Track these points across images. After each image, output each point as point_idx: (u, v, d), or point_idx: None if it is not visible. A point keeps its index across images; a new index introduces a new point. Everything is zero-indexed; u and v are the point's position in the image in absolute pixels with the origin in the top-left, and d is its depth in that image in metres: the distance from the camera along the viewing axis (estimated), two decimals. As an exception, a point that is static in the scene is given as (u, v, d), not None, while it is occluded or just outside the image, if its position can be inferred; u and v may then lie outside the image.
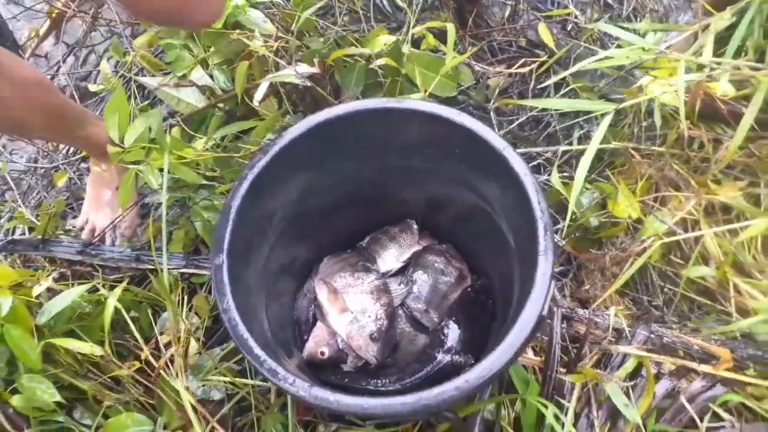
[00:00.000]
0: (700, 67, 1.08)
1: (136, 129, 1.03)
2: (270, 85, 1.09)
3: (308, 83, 1.03)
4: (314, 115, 0.85)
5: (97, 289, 1.03)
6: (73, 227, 1.28)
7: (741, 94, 1.08)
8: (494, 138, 0.80)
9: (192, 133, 1.19)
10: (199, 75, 1.17)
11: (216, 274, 0.73)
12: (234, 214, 0.78)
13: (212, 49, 1.16)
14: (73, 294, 0.95)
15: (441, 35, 1.23)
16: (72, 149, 1.46)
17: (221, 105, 1.18)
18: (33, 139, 1.46)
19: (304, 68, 1.03)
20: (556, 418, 0.88)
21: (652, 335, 1.01)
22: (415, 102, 0.85)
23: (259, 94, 1.03)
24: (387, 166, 0.96)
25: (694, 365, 0.95)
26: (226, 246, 0.75)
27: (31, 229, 1.28)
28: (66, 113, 1.13)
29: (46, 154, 1.47)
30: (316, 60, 1.06)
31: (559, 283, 1.16)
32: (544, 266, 0.73)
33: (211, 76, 1.18)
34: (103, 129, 1.19)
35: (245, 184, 0.80)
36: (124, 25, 1.52)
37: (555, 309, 1.03)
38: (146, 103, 1.41)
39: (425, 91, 1.10)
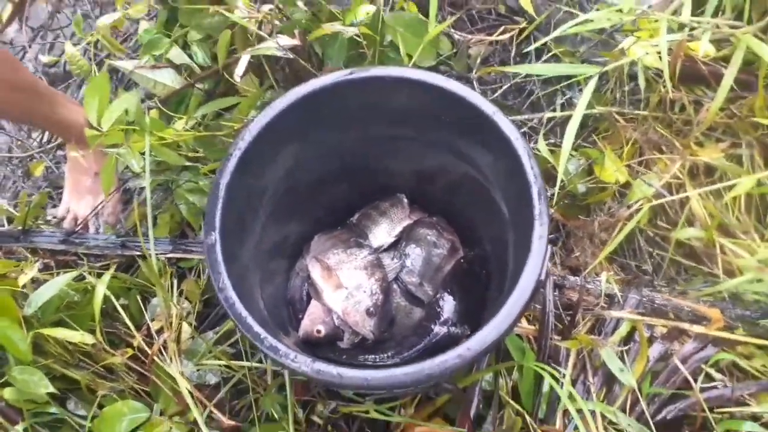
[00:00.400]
0: (681, 27, 1.08)
1: (114, 111, 1.00)
2: (249, 62, 1.07)
3: (290, 55, 1.01)
4: (299, 87, 0.83)
5: (84, 278, 1.01)
6: (54, 217, 1.25)
7: (721, 55, 1.08)
8: (484, 103, 0.79)
9: (171, 114, 1.16)
10: (176, 53, 1.14)
11: (210, 253, 0.72)
12: (224, 191, 0.76)
13: (191, 25, 1.13)
14: (60, 282, 0.93)
15: (419, 5, 1.22)
16: (46, 137, 1.42)
17: (200, 84, 1.16)
18: (3, 119, 1.41)
19: (286, 40, 1.01)
20: (555, 380, 0.89)
21: (644, 299, 1.02)
22: (401, 69, 0.84)
23: (239, 69, 1.00)
24: (374, 137, 0.94)
25: (686, 326, 0.96)
26: (218, 224, 0.73)
27: (9, 221, 1.25)
28: (37, 91, 1.09)
29: (20, 142, 1.42)
30: (297, 31, 1.03)
31: (550, 251, 1.17)
32: (540, 230, 0.73)
33: (190, 56, 1.15)
34: (77, 112, 1.15)
35: (233, 160, 0.78)
36: (92, 4, 1.47)
37: (548, 277, 1.03)
38: (121, 87, 1.37)
39: (409, 57, 1.09)
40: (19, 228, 1.15)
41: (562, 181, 1.07)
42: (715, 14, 1.12)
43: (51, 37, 1.59)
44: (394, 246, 1.06)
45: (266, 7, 1.08)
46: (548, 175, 1.14)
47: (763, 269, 0.93)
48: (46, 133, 1.45)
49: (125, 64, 1.22)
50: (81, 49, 1.30)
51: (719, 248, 1.04)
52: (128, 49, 1.37)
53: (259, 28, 1.03)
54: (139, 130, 1.01)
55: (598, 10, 1.18)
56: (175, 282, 1.07)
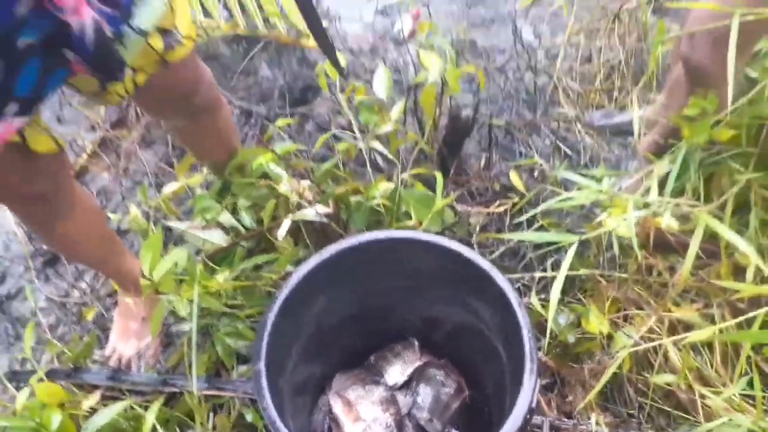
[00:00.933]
0: (647, 205, 1.28)
1: (166, 264, 1.18)
2: (286, 224, 1.28)
3: (325, 221, 1.23)
4: (331, 246, 1.02)
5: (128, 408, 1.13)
6: (102, 356, 1.39)
7: (687, 227, 1.27)
8: (481, 261, 0.98)
9: (215, 267, 1.35)
10: (226, 217, 1.36)
11: (257, 379, 0.86)
12: (270, 328, 0.92)
13: (241, 195, 1.37)
14: (112, 412, 1.06)
15: (426, 183, 1.46)
16: (99, 284, 1.60)
17: (244, 242, 1.36)
18: (84, 264, 1.60)
19: (322, 209, 1.23)
20: None
21: (632, 441, 1.12)
22: (414, 232, 1.04)
23: (282, 231, 1.21)
24: (390, 289, 1.12)
25: (670, 464, 1.06)
26: (263, 354, 0.89)
27: (59, 357, 1.39)
28: (114, 243, 1.29)
29: (74, 288, 1.60)
30: (330, 202, 1.26)
31: (546, 396, 1.29)
32: (530, 366, 0.87)
33: (238, 219, 1.37)
34: (135, 264, 1.35)
35: (278, 303, 0.95)
36: (151, 175, 1.74)
37: (544, 419, 1.15)
38: (171, 243, 1.58)
39: (419, 223, 1.30)
40: (71, 366, 1.30)
41: (553, 331, 1.22)
42: (680, 194, 1.32)
43: (105, 200, 1.84)
44: (406, 384, 1.19)
45: (305, 183, 1.33)
46: (541, 327, 1.29)
47: (729, 410, 1.05)
48: (96, 279, 1.63)
49: (178, 225, 1.43)
50: (141, 210, 1.53)
51: (698, 395, 1.16)
52: (179, 209, 1.59)
53: (300, 198, 1.27)
54: (189, 280, 1.19)
55: (579, 189, 1.41)
56: (212, 416, 1.18)
